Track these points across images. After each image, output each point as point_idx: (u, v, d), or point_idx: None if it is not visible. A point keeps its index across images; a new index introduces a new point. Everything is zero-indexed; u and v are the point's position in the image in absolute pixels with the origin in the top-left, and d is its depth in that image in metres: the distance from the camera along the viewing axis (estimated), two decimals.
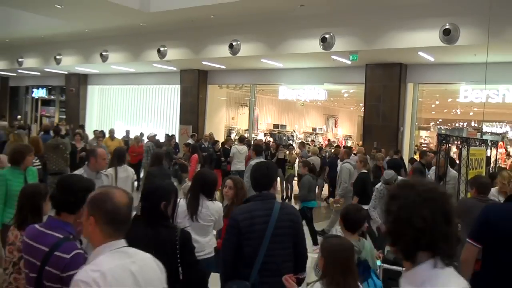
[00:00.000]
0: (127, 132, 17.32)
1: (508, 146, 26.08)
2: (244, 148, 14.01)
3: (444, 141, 6.04)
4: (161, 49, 17.47)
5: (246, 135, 20.09)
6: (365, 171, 9.03)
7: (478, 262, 3.67)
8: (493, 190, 5.83)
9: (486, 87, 13.58)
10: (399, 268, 6.42)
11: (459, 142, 6.48)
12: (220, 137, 18.43)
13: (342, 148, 13.55)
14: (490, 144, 7.86)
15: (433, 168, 7.59)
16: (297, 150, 21.47)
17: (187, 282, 3.10)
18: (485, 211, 3.64)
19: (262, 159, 9.09)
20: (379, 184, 7.69)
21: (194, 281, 3.16)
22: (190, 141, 15.31)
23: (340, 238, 3.32)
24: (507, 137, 26.67)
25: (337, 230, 4.45)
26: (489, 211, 3.62)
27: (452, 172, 7.42)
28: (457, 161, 7.39)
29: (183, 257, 3.09)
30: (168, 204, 3.26)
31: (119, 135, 17.08)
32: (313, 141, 23.33)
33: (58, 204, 2.97)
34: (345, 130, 29.49)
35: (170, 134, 17.92)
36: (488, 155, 8.64)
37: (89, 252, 2.50)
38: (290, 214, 3.75)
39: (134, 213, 3.13)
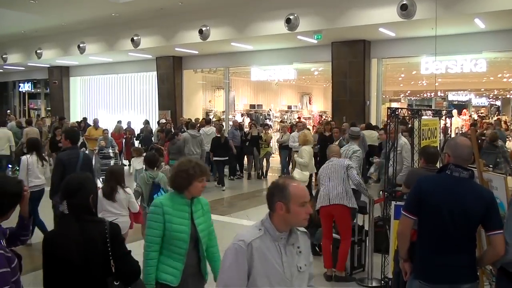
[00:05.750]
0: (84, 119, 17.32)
1: (473, 112, 26.24)
2: (211, 129, 13.80)
3: (393, 114, 5.87)
4: (135, 38, 17.13)
5: (223, 116, 19.89)
6: (218, 135, 13.00)
7: (415, 232, 3.54)
8: None
9: (443, 58, 13.60)
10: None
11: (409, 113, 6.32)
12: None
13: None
14: (444, 114, 7.67)
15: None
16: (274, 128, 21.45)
17: (120, 274, 2.92)
18: (417, 184, 3.49)
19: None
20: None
21: (127, 273, 2.97)
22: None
23: None
24: (471, 104, 26.81)
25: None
26: (421, 183, 3.47)
27: (402, 139, 7.47)
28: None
29: (114, 250, 2.90)
30: (95, 196, 3.05)
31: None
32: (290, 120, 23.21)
33: None
34: (320, 106, 29.33)
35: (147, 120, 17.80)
36: (446, 124, 8.46)
37: None
38: (87, 156, 6.68)
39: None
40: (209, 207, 3.74)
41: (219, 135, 13.08)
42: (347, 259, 6.30)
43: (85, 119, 20.34)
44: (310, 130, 13.78)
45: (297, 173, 9.60)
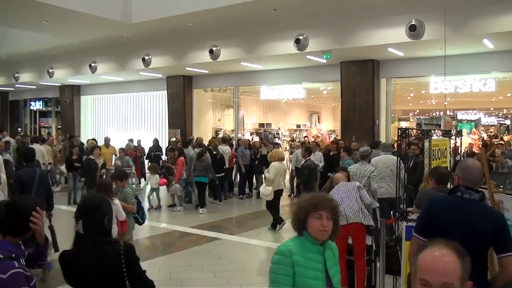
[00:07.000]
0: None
1: (482, 132, 26.13)
2: (228, 148, 13.90)
3: (404, 135, 5.91)
4: (146, 57, 17.34)
5: (232, 135, 19.97)
6: (215, 152, 13.37)
7: None
8: None
9: (452, 78, 13.64)
10: None
11: (419, 133, 6.36)
12: (208, 138, 18.28)
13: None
14: (453, 133, 7.69)
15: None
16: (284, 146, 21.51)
17: None
18: (428, 204, 3.51)
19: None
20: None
21: None
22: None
23: None
24: (481, 123, 26.72)
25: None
26: (431, 204, 3.49)
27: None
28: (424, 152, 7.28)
29: (129, 270, 2.93)
30: (110, 218, 3.09)
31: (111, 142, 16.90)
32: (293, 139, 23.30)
33: (4, 228, 2.80)
34: (329, 125, 29.37)
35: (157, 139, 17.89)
36: (456, 144, 8.49)
37: None
38: (43, 173, 7.48)
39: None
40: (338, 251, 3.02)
41: (215, 152, 13.37)
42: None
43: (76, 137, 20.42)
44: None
45: (262, 188, 10.46)
